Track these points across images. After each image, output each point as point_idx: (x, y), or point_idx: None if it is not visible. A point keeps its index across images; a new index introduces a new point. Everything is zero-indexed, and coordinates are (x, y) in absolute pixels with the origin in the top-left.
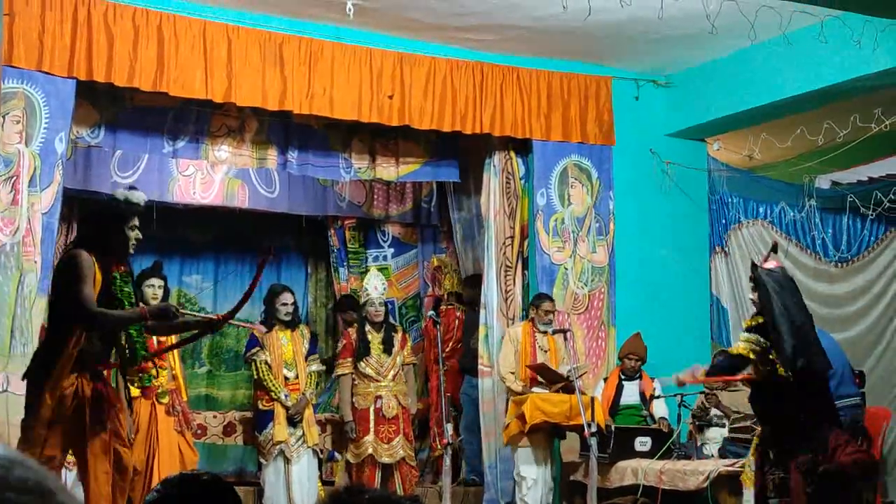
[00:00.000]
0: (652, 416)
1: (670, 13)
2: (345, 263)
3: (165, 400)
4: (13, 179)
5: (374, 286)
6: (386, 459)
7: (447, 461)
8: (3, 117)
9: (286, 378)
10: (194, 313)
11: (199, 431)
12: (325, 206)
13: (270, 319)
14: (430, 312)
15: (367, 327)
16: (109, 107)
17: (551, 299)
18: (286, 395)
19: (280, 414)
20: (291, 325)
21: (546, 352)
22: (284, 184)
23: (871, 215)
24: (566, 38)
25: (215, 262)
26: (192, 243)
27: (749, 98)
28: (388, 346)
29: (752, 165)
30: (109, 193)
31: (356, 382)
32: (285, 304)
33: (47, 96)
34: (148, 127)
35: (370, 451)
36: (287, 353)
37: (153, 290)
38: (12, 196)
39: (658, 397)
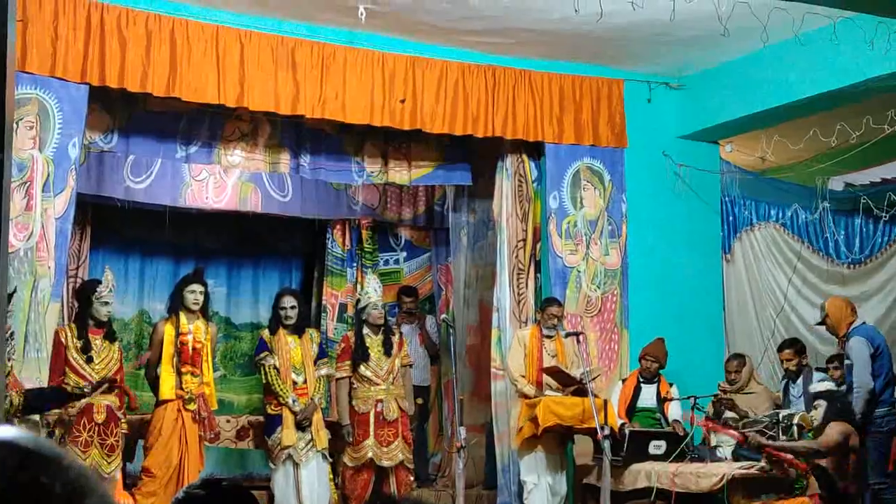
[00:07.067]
0: (666, 418)
1: (682, 15)
2: (354, 264)
3: (192, 407)
4: (27, 185)
5: (374, 289)
6: (385, 463)
7: (460, 464)
8: (17, 123)
9: (294, 383)
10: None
11: (211, 436)
12: (338, 209)
13: (276, 323)
14: (444, 316)
15: (366, 330)
16: (122, 112)
17: (559, 304)
18: (294, 400)
19: (288, 418)
20: (298, 329)
21: (553, 356)
22: (297, 188)
23: (885, 217)
24: (578, 40)
25: (228, 266)
26: (205, 248)
27: (761, 100)
28: (388, 349)
29: (764, 167)
30: (122, 198)
31: (356, 386)
32: (284, 308)
33: (60, 102)
34: (161, 132)
35: (370, 454)
36: (295, 357)
37: (194, 295)
38: (26, 201)
39: (671, 400)
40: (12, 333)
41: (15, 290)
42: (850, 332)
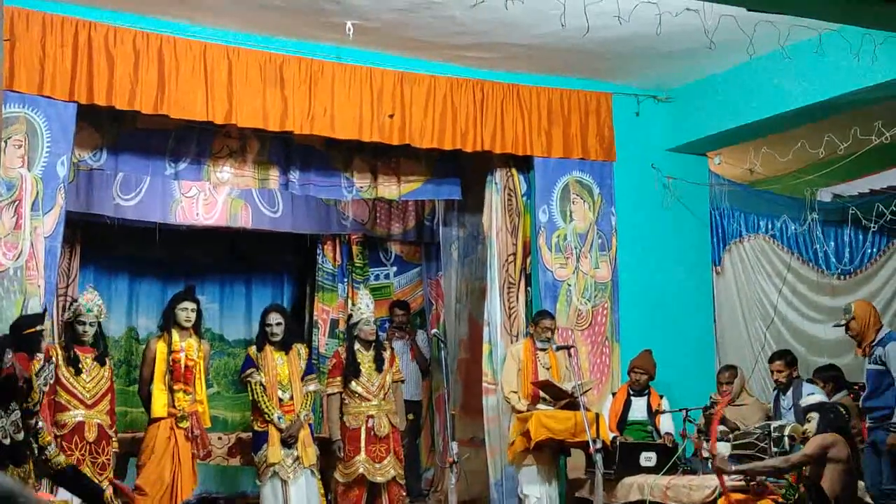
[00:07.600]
0: (657, 431)
1: (669, 29)
2: (345, 280)
3: (184, 424)
4: (16, 203)
5: (366, 304)
6: (378, 479)
7: (453, 479)
8: (5, 142)
9: (280, 400)
10: None
11: (203, 454)
12: (328, 224)
13: (262, 340)
14: (434, 331)
15: (357, 346)
16: (111, 130)
17: (551, 317)
18: (280, 417)
19: (274, 435)
20: (285, 345)
21: (548, 369)
22: (287, 203)
23: (873, 227)
24: (566, 55)
25: (220, 282)
26: (195, 264)
27: (749, 112)
28: (379, 364)
29: (753, 179)
30: (112, 216)
31: (346, 402)
32: (270, 325)
33: (49, 120)
34: (150, 149)
35: (361, 470)
36: (282, 373)
37: (186, 312)
38: (15, 220)
39: (663, 412)
40: (50, 358)
41: (45, 310)
42: (885, 338)
